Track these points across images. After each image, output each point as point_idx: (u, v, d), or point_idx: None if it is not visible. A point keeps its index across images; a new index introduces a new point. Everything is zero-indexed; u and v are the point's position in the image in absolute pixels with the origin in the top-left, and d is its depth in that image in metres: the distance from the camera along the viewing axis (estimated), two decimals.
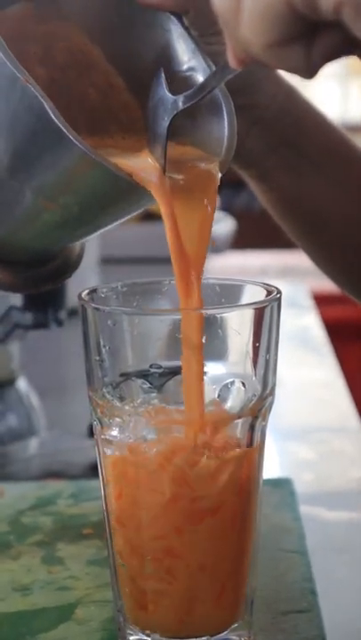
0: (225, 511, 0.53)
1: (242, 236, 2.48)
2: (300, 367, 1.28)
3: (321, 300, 1.87)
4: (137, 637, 0.55)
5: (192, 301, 0.52)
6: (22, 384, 0.98)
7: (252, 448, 0.54)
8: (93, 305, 0.54)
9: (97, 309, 0.53)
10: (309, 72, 0.48)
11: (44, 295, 0.91)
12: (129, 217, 0.56)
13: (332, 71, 4.27)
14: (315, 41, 0.47)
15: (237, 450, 0.53)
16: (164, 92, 0.55)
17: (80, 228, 0.57)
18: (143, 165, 0.52)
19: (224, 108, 0.56)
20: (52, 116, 0.49)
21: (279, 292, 0.54)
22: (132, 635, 0.55)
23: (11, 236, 0.56)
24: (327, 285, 2.14)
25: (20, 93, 0.49)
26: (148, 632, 0.55)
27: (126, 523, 0.54)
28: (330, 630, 0.58)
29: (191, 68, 0.57)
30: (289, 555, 0.67)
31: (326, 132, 0.72)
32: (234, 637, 0.55)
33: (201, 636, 0.54)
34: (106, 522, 0.56)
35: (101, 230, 0.58)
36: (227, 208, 2.45)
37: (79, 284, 0.64)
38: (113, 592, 0.57)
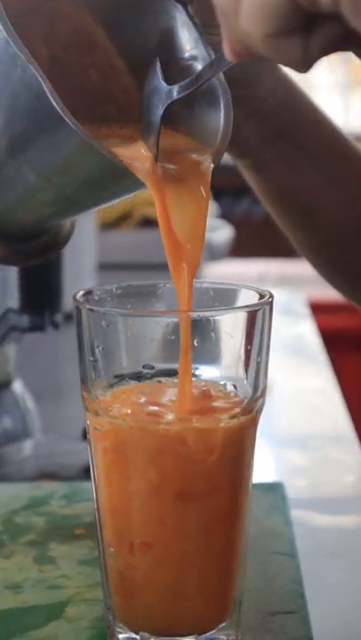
0: (214, 501, 0.54)
1: (241, 244, 2.49)
2: (295, 374, 1.29)
3: (318, 309, 1.88)
4: (126, 635, 0.56)
5: (184, 294, 0.53)
6: (18, 386, 0.99)
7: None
8: (88, 306, 0.54)
9: (91, 310, 0.54)
10: (306, 64, 0.49)
11: (41, 298, 0.92)
12: (119, 199, 0.57)
13: (333, 82, 4.29)
14: (312, 33, 0.48)
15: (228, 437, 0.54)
16: (158, 81, 0.56)
17: (71, 208, 0.57)
18: (136, 153, 0.53)
19: (221, 101, 0.57)
20: (50, 98, 0.49)
21: (271, 296, 0.55)
22: (121, 632, 0.56)
23: (3, 210, 0.57)
24: (324, 294, 2.15)
25: (21, 72, 0.50)
26: (136, 630, 0.55)
27: (116, 512, 0.55)
28: (318, 633, 0.59)
29: (193, 57, 0.57)
30: (279, 557, 0.67)
31: (325, 129, 0.73)
32: (222, 636, 0.56)
33: (189, 634, 0.55)
34: (96, 515, 0.56)
35: (93, 210, 0.59)
36: (226, 216, 2.46)
37: (76, 289, 0.65)
38: (103, 590, 0.57)
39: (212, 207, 2.04)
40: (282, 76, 0.70)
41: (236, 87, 0.58)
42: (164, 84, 0.55)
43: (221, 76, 0.57)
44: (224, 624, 0.56)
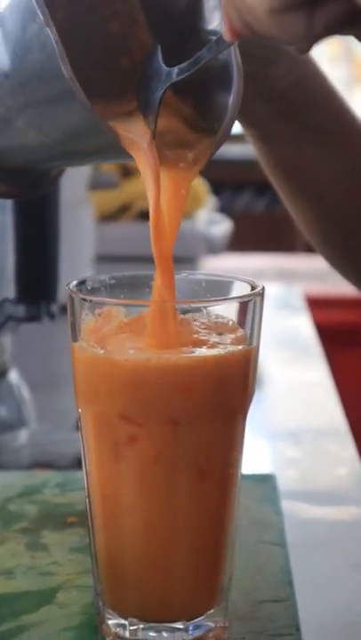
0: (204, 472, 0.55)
1: (240, 238, 2.50)
2: (290, 368, 1.29)
3: (315, 304, 1.88)
4: (115, 621, 0.57)
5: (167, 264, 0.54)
6: (14, 376, 0.99)
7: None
8: (81, 295, 0.55)
9: (84, 300, 0.55)
10: (308, 42, 0.49)
11: (38, 289, 0.93)
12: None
13: (335, 79, 4.29)
14: (317, 10, 0.48)
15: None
16: (159, 63, 0.56)
17: (59, 159, 0.59)
18: (137, 129, 0.54)
19: (234, 83, 0.57)
20: (61, 65, 0.50)
21: (263, 287, 0.55)
22: (110, 619, 0.57)
23: None
24: (322, 289, 2.15)
25: (38, 29, 0.51)
26: (126, 616, 0.56)
27: (106, 498, 0.55)
28: (305, 621, 0.60)
29: (213, 32, 0.57)
30: (269, 547, 0.68)
31: (335, 110, 0.73)
32: (210, 623, 0.56)
33: (177, 621, 0.56)
34: (87, 501, 0.57)
35: (80, 166, 0.60)
36: (225, 210, 2.46)
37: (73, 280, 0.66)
38: (93, 577, 0.58)
39: (212, 201, 2.05)
40: (301, 58, 0.70)
41: (252, 64, 0.58)
42: (164, 66, 0.56)
43: (238, 56, 0.57)
44: (212, 610, 0.57)
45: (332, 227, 0.76)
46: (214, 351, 0.53)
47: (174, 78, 0.55)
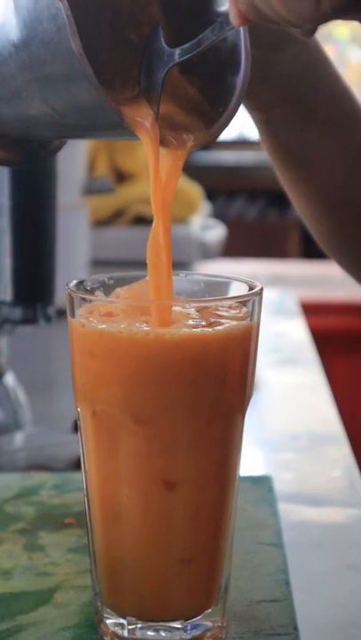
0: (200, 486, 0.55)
1: (233, 244, 2.51)
2: (285, 371, 1.29)
3: (307, 310, 1.89)
4: (114, 621, 0.57)
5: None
6: (10, 379, 0.99)
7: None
8: (80, 295, 0.55)
9: (83, 299, 0.55)
10: (315, 22, 0.49)
11: (34, 291, 0.93)
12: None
13: None
14: None
15: None
16: (160, 43, 0.56)
17: (61, 131, 0.59)
18: (140, 110, 0.54)
19: (242, 68, 0.57)
20: (71, 41, 0.50)
21: (261, 287, 0.56)
22: (109, 618, 0.57)
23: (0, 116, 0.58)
24: (314, 295, 2.15)
25: (50, 0, 0.51)
26: (124, 615, 0.56)
27: (105, 497, 0.56)
28: (303, 621, 0.60)
29: (223, 14, 0.56)
30: (265, 547, 0.68)
31: (340, 101, 0.73)
32: (207, 622, 0.57)
33: (175, 620, 0.56)
34: (85, 501, 0.57)
35: (81, 139, 0.60)
36: (219, 216, 2.47)
37: None
38: (91, 576, 0.58)
39: (206, 207, 2.05)
40: (308, 45, 0.70)
41: (260, 48, 0.59)
42: (165, 46, 0.56)
43: (248, 40, 0.57)
44: (210, 610, 0.57)
45: (329, 212, 0.77)
46: (217, 327, 0.54)
47: (176, 59, 0.55)
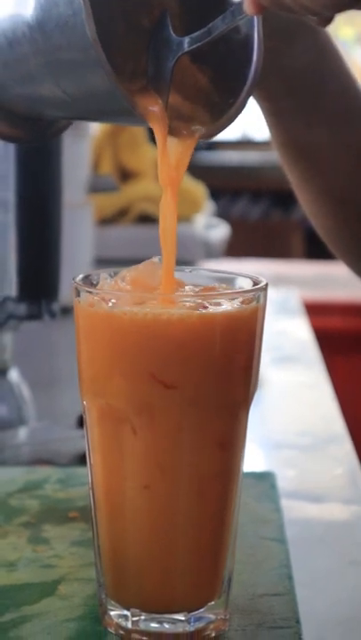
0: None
1: (236, 244, 2.51)
2: (287, 369, 1.30)
3: (309, 310, 1.89)
4: (118, 612, 0.57)
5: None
6: (14, 375, 1.00)
7: None
8: (86, 288, 0.56)
9: (90, 292, 0.55)
10: (335, 9, 0.49)
11: (39, 287, 0.94)
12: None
13: None
14: None
15: None
16: (169, 32, 0.55)
17: (72, 116, 0.60)
18: (150, 99, 0.55)
19: (254, 59, 0.56)
20: (86, 26, 0.50)
21: (266, 283, 0.56)
22: (113, 610, 0.57)
23: (11, 94, 0.58)
24: (317, 295, 2.15)
25: None
26: (128, 607, 0.57)
27: (110, 491, 0.56)
28: (305, 615, 0.60)
29: (237, 3, 0.56)
30: (268, 542, 0.69)
31: (348, 96, 0.74)
32: (210, 615, 0.57)
33: (179, 612, 0.56)
34: (90, 494, 0.58)
35: (90, 122, 0.61)
36: (222, 216, 2.47)
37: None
38: (96, 569, 0.59)
39: (210, 206, 2.06)
40: (318, 37, 0.70)
41: (272, 39, 0.58)
42: (174, 35, 0.55)
43: (261, 30, 0.56)
44: (213, 603, 0.57)
45: (335, 209, 0.77)
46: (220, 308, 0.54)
47: (186, 48, 0.54)
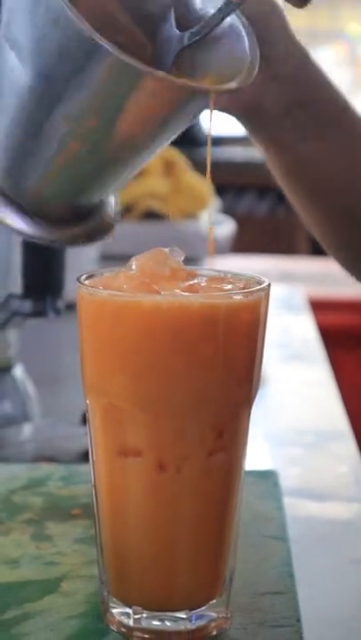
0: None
1: (243, 240, 2.51)
2: (292, 366, 1.30)
3: (315, 306, 1.89)
4: (120, 610, 0.57)
5: None
6: (19, 371, 1.00)
7: None
8: (91, 288, 0.56)
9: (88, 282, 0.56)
10: None
11: (44, 285, 0.94)
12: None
13: (339, 83, 4.30)
14: None
15: None
16: (171, 29, 0.59)
17: (106, 169, 0.60)
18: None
19: (245, 35, 0.60)
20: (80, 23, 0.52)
21: (268, 283, 0.56)
22: (114, 607, 0.58)
23: (44, 185, 0.60)
24: (323, 292, 2.15)
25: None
26: (130, 604, 0.57)
27: (112, 490, 0.56)
28: (306, 614, 0.61)
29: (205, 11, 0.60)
30: (270, 541, 0.69)
31: (336, 102, 0.76)
32: (212, 613, 0.57)
33: (180, 610, 0.56)
34: (93, 492, 0.58)
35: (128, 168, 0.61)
36: (228, 212, 2.47)
37: None
38: (98, 566, 0.59)
39: (215, 203, 2.06)
40: (296, 41, 0.73)
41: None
42: (175, 30, 0.59)
43: (244, 20, 0.60)
44: (214, 601, 0.58)
45: (337, 227, 0.78)
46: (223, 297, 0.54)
47: (186, 42, 0.58)
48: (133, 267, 0.56)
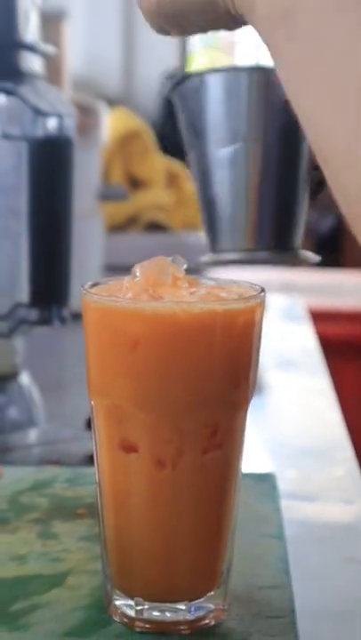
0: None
1: None
2: (291, 375, 1.33)
3: (316, 317, 1.92)
4: (122, 602, 0.60)
5: None
6: (25, 378, 1.03)
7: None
8: (95, 295, 0.59)
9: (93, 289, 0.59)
10: None
11: (50, 294, 0.97)
12: None
13: None
14: None
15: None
16: None
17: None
18: None
19: None
20: None
21: (263, 290, 0.59)
22: (117, 599, 0.61)
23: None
24: (323, 302, 2.18)
25: None
26: (132, 596, 0.60)
27: (116, 481, 0.59)
28: (300, 607, 0.63)
29: None
30: (268, 539, 0.72)
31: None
32: (210, 605, 0.60)
33: (180, 601, 0.59)
34: (97, 490, 0.61)
35: None
36: None
37: None
38: (102, 561, 0.62)
39: None
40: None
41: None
42: None
43: None
44: (212, 593, 0.60)
45: None
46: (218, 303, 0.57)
47: None
48: (137, 274, 0.59)
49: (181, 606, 0.59)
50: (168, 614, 0.59)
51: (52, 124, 0.94)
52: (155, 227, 1.82)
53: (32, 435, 1.00)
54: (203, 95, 0.76)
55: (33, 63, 0.97)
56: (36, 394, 1.03)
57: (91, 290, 0.59)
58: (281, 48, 0.53)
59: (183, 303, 0.56)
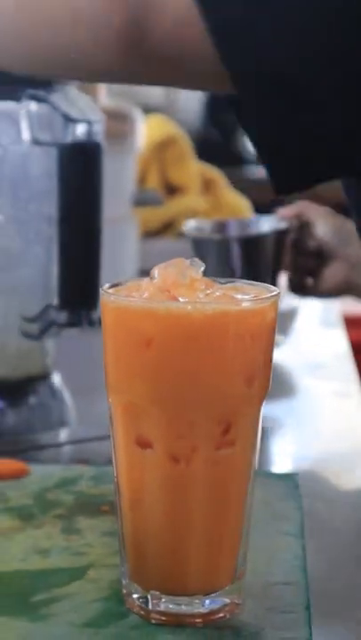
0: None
1: None
2: (322, 380, 1.34)
3: (350, 323, 1.92)
4: (139, 595, 0.62)
5: None
6: (56, 379, 1.05)
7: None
8: (112, 295, 0.61)
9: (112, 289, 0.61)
10: None
11: (80, 297, 0.99)
12: None
13: None
14: None
15: None
16: None
17: None
18: None
19: None
20: None
21: (278, 292, 0.61)
22: (135, 593, 0.62)
23: None
24: (358, 308, 2.17)
25: None
26: (148, 589, 0.61)
27: (133, 477, 0.61)
28: (315, 605, 0.65)
29: None
30: (286, 537, 0.73)
31: None
32: (225, 599, 0.62)
33: (195, 595, 0.61)
34: (114, 485, 0.63)
35: None
36: None
37: None
38: (120, 556, 0.64)
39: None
40: None
41: None
42: None
43: None
44: (227, 588, 0.62)
45: None
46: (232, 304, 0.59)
47: None
48: (156, 275, 0.61)
49: (196, 600, 0.61)
50: (183, 607, 0.61)
51: (81, 129, 0.96)
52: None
53: (62, 435, 1.02)
54: None
55: None
56: (66, 395, 1.06)
57: (109, 290, 0.61)
58: None
59: (197, 303, 0.57)
